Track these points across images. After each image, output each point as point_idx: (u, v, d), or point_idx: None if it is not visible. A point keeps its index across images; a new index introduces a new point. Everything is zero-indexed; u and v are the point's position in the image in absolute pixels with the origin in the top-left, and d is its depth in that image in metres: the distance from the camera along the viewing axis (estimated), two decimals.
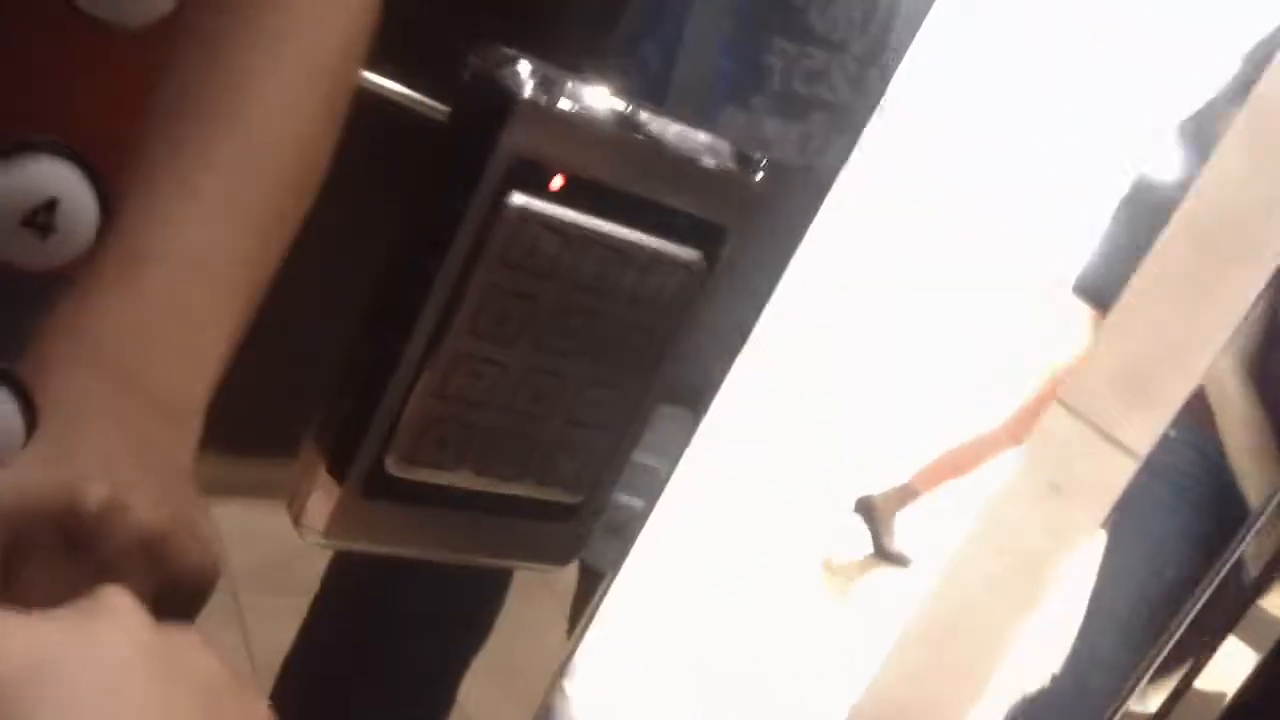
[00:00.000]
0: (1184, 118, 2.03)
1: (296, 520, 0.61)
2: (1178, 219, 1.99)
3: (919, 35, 0.85)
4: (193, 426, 0.50)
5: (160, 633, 0.35)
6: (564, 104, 0.56)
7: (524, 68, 0.55)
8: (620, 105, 0.59)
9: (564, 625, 0.86)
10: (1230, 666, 1.15)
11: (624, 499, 0.74)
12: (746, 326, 0.82)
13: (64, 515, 0.44)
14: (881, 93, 0.88)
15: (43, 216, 0.39)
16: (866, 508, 3.17)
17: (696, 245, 0.63)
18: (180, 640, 0.36)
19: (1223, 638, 1.17)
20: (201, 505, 0.48)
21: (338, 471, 0.60)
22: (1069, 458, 1.99)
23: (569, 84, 0.56)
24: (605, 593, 0.83)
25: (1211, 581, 1.20)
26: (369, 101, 0.65)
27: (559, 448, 0.66)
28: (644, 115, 0.60)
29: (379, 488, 0.60)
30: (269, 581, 0.83)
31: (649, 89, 0.72)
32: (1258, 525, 1.18)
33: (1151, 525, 1.77)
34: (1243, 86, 1.69)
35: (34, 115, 0.45)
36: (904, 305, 4.66)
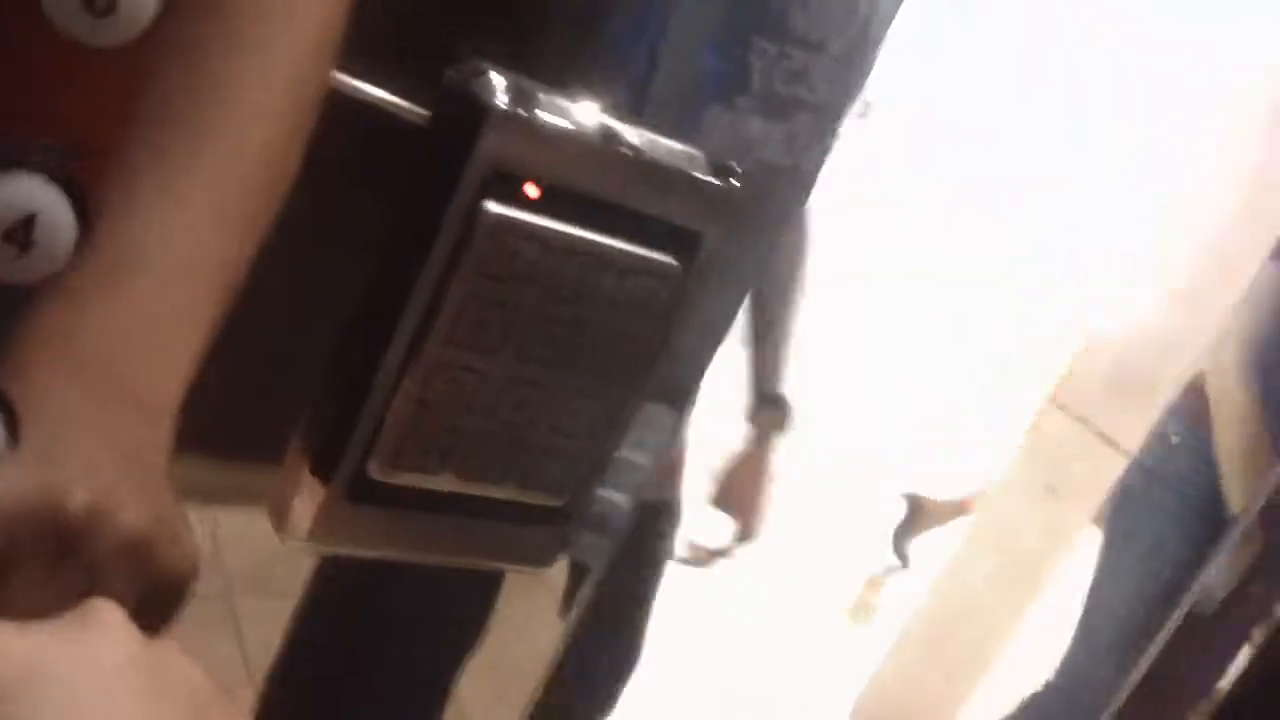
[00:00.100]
0: None
1: (279, 525, 0.62)
2: (1173, 219, 1.99)
3: (899, 27, 0.86)
4: (169, 427, 0.51)
5: (148, 645, 0.36)
6: (538, 114, 0.57)
7: (497, 79, 0.56)
8: (594, 114, 0.60)
9: (556, 621, 0.87)
10: (1224, 665, 1.15)
11: (608, 495, 0.75)
12: (729, 322, 0.83)
13: (48, 521, 0.45)
14: (860, 89, 0.89)
15: (21, 233, 0.40)
16: (915, 506, 3.06)
17: (672, 251, 0.64)
18: (167, 652, 0.37)
19: (1214, 638, 1.18)
20: (178, 506, 0.49)
21: (321, 476, 0.61)
22: (1064, 459, 2.00)
23: (542, 94, 0.57)
24: (591, 587, 0.84)
25: (1200, 582, 1.20)
26: (353, 106, 0.66)
27: (542, 452, 0.67)
28: (618, 124, 0.61)
29: (362, 492, 0.61)
30: (262, 585, 0.84)
31: (632, 91, 0.73)
32: (1242, 527, 1.19)
33: (1152, 526, 1.77)
34: None
35: (15, 127, 0.47)
36: (897, 299, 4.64)
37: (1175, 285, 1.99)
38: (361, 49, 0.61)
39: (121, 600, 0.38)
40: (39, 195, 0.40)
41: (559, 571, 0.81)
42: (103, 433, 0.47)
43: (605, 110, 0.61)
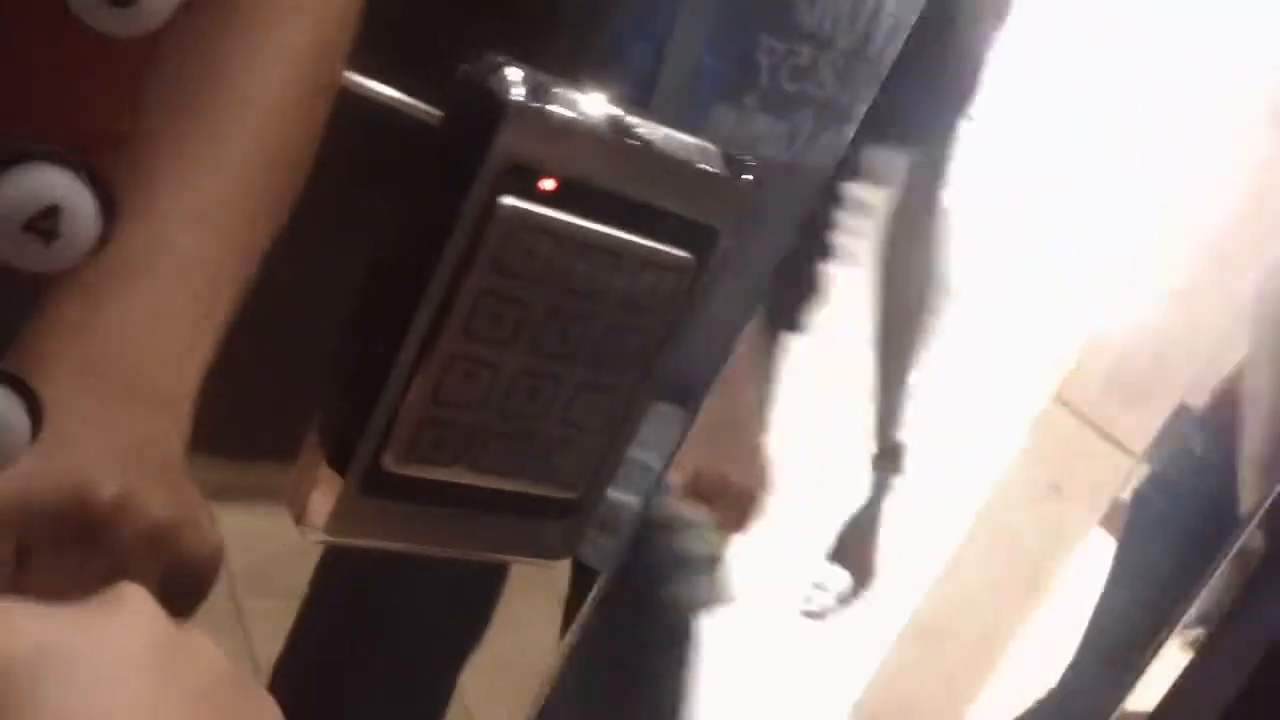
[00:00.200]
0: None
1: (298, 518, 0.62)
2: (1173, 219, 1.99)
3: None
4: (186, 417, 0.51)
5: (174, 630, 0.36)
6: (554, 108, 0.57)
7: (514, 73, 0.56)
8: (611, 109, 0.60)
9: (559, 621, 0.87)
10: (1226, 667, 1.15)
11: (617, 495, 0.75)
12: (739, 323, 0.83)
13: (73, 512, 0.45)
14: (873, 87, 0.89)
15: (45, 222, 0.40)
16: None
17: (688, 246, 0.64)
18: (194, 638, 0.37)
19: (1217, 638, 1.18)
20: (199, 496, 0.50)
21: (337, 469, 0.61)
22: (1068, 457, 2.00)
23: (558, 89, 0.57)
24: (600, 588, 0.84)
25: (1206, 583, 1.20)
26: (365, 105, 0.67)
27: (554, 446, 0.67)
28: (634, 118, 0.61)
29: (376, 485, 0.62)
30: (269, 584, 0.84)
31: (637, 89, 0.73)
32: (1250, 527, 1.19)
33: (1168, 541, 1.73)
34: None
35: (34, 119, 0.47)
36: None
37: (1175, 285, 1.99)
38: (368, 48, 0.61)
39: (146, 587, 0.38)
40: (62, 185, 0.41)
41: (562, 568, 0.81)
42: (123, 423, 0.48)
43: (618, 104, 0.62)
